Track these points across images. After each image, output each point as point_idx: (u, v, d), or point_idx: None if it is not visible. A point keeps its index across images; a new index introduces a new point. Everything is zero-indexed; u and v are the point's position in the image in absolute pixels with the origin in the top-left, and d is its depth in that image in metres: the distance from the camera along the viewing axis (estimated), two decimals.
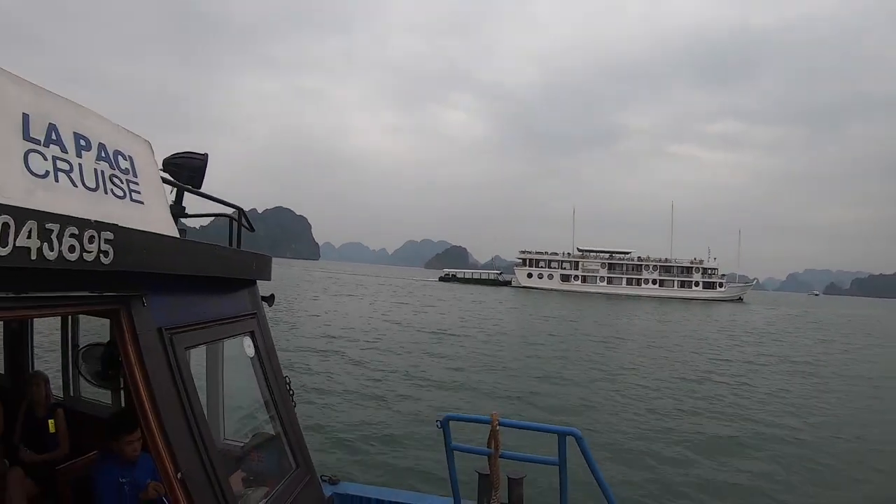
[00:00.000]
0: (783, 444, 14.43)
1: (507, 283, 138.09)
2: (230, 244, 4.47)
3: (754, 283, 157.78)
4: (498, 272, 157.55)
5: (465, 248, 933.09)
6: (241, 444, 4.82)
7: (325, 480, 5.55)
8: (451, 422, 4.74)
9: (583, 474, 4.52)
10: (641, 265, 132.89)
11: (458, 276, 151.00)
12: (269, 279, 4.47)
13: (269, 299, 4.69)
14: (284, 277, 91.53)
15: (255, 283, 4.48)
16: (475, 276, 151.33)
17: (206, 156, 4.43)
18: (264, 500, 3.94)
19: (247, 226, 4.64)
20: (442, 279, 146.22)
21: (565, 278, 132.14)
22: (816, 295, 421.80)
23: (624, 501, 4.92)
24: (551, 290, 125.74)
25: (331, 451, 11.57)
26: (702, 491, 10.78)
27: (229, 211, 4.59)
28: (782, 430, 15.69)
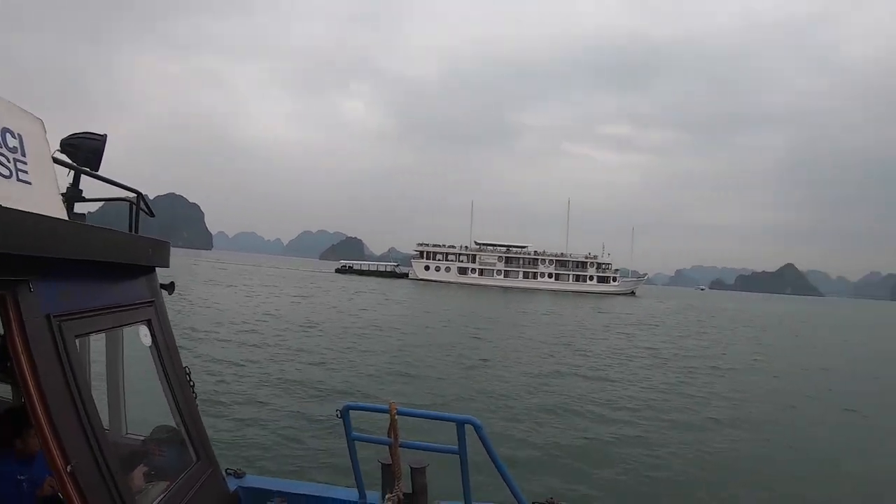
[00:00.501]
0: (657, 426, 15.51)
1: (405, 276, 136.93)
2: (130, 230, 4.20)
3: (645, 278, 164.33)
4: (395, 264, 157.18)
5: (360, 240, 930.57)
6: (142, 438, 4.51)
7: (230, 474, 5.21)
8: (351, 411, 4.67)
9: (485, 461, 4.33)
10: (538, 259, 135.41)
11: (355, 267, 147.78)
12: (167, 266, 4.30)
13: (169, 287, 4.47)
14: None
15: (154, 270, 4.30)
16: (372, 269, 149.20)
17: (104, 136, 4.09)
18: (164, 495, 3.80)
19: (146, 210, 4.39)
20: (339, 271, 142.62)
21: (462, 271, 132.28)
22: (702, 290, 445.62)
23: (524, 486, 4.23)
24: (449, 282, 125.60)
25: (238, 444, 11.31)
26: (597, 468, 11.58)
27: (128, 195, 4.29)
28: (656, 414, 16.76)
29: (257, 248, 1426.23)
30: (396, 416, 4.39)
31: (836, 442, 15.38)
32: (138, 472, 3.80)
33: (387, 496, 4.57)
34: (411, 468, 4.66)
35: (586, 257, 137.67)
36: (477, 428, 4.18)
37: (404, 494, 4.59)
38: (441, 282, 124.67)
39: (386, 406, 4.41)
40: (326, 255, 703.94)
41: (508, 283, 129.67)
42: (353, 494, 5.04)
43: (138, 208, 4.31)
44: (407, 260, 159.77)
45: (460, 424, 4.27)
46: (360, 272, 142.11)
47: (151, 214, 4.45)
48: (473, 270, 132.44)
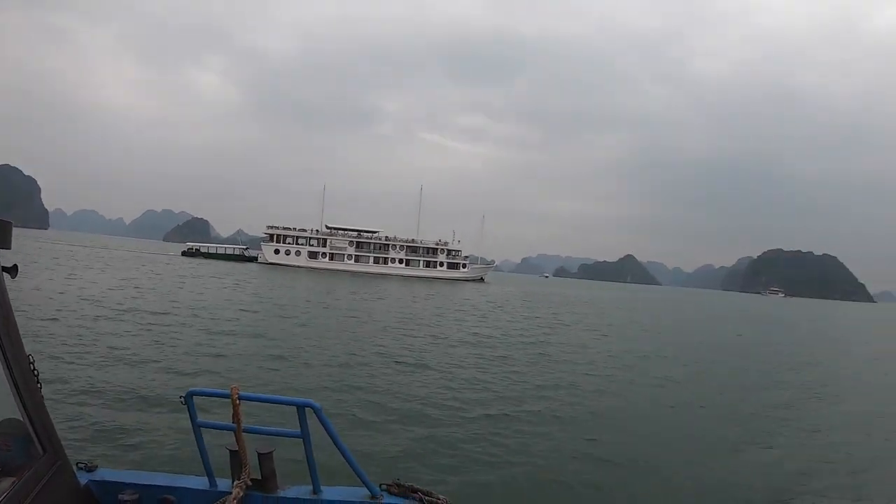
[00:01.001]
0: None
1: (254, 259, 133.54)
2: None
3: (494, 264, 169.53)
4: (244, 247, 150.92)
5: (207, 221, 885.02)
6: None
7: (81, 468, 4.93)
8: (195, 396, 4.51)
9: (332, 444, 4.39)
10: (389, 245, 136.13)
11: (203, 250, 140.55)
12: (9, 247, 3.89)
13: (12, 270, 4.02)
14: None
15: None
16: (220, 252, 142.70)
17: None
18: (9, 492, 3.58)
19: None
20: (185, 254, 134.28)
21: (313, 255, 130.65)
22: (546, 277, 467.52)
23: (366, 467, 4.56)
24: (299, 266, 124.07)
25: (89, 437, 10.97)
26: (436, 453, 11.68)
27: None
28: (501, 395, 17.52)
29: (98, 227, 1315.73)
30: (239, 401, 4.35)
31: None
32: None
33: (235, 483, 4.55)
34: (258, 454, 4.65)
35: (437, 244, 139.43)
36: (316, 411, 4.27)
37: (252, 480, 4.62)
38: (291, 266, 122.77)
39: (227, 391, 4.37)
40: (171, 237, 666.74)
41: (359, 268, 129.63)
42: (203, 483, 4.91)
43: None
44: (255, 243, 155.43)
45: (300, 408, 4.36)
46: (208, 255, 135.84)
47: None
48: (324, 255, 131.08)
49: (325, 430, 4.28)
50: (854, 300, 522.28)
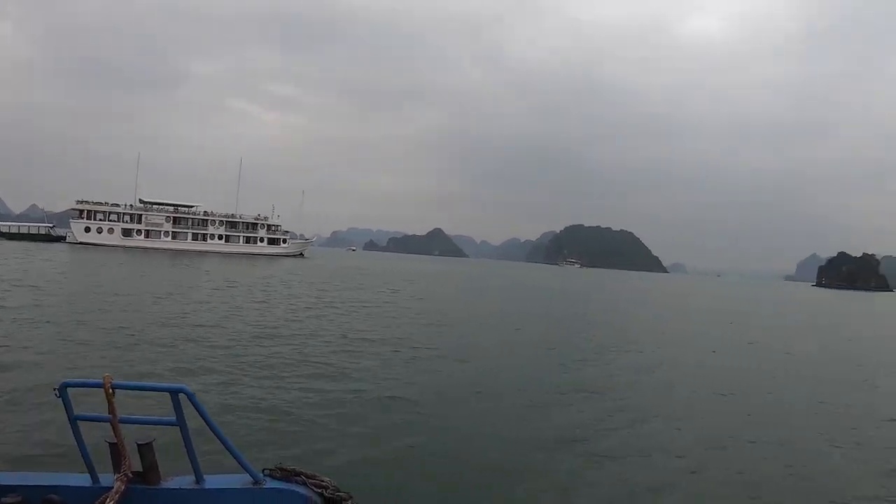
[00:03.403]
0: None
1: (62, 239, 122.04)
2: None
3: (314, 239, 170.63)
4: (50, 225, 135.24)
5: None
6: None
7: None
8: (69, 388, 4.48)
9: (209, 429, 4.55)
10: (207, 220, 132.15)
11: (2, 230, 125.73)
12: None
13: None
14: None
15: None
16: (22, 231, 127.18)
17: None
18: None
19: None
20: None
21: (127, 233, 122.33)
22: (353, 250, 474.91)
23: (242, 448, 4.92)
24: (114, 246, 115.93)
25: None
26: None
27: None
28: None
29: None
30: (112, 390, 4.31)
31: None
32: None
33: (116, 476, 4.53)
34: (138, 445, 4.60)
35: (256, 219, 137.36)
36: (189, 396, 4.30)
37: (134, 473, 4.59)
38: (104, 245, 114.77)
39: (99, 381, 4.33)
40: None
41: (177, 245, 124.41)
42: (86, 479, 4.84)
43: None
44: (54, 218, 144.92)
45: (173, 394, 4.37)
46: (8, 235, 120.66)
47: None
48: (139, 232, 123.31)
49: (200, 414, 4.37)
50: (649, 271, 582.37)
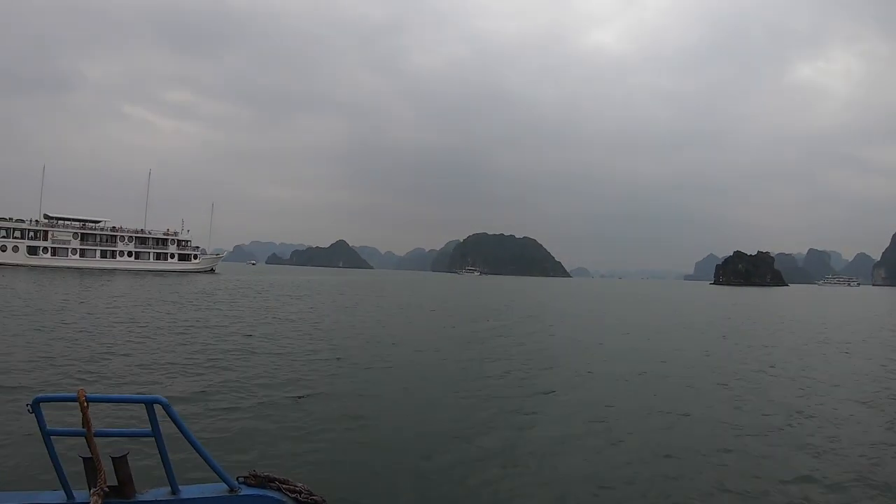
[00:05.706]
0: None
1: None
2: None
3: (224, 254, 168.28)
4: None
5: None
6: None
7: None
8: (42, 403, 4.43)
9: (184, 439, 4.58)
10: (116, 236, 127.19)
11: None
12: None
13: None
14: None
15: None
16: None
17: None
18: None
19: None
20: None
21: (33, 251, 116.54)
22: (254, 264, 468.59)
23: (219, 459, 4.95)
24: (17, 265, 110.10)
25: None
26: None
27: None
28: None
29: None
30: (87, 403, 4.30)
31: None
32: None
33: (91, 491, 4.52)
34: (112, 458, 4.60)
35: (166, 234, 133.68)
36: (165, 406, 4.30)
37: (110, 487, 4.59)
38: (7, 265, 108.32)
39: (74, 394, 4.32)
40: None
41: (85, 263, 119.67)
42: (60, 496, 4.78)
43: None
44: None
45: (149, 405, 4.39)
46: None
47: None
48: (45, 250, 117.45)
49: (176, 425, 4.43)
50: (552, 276, 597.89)
